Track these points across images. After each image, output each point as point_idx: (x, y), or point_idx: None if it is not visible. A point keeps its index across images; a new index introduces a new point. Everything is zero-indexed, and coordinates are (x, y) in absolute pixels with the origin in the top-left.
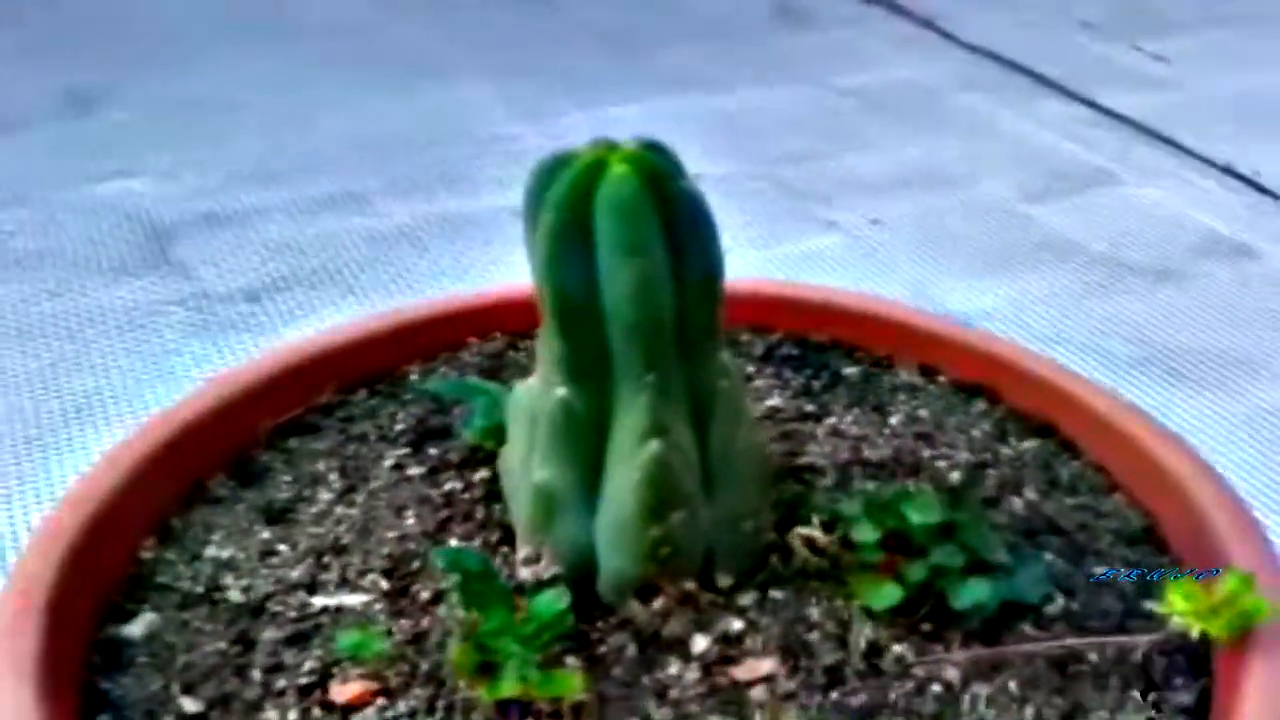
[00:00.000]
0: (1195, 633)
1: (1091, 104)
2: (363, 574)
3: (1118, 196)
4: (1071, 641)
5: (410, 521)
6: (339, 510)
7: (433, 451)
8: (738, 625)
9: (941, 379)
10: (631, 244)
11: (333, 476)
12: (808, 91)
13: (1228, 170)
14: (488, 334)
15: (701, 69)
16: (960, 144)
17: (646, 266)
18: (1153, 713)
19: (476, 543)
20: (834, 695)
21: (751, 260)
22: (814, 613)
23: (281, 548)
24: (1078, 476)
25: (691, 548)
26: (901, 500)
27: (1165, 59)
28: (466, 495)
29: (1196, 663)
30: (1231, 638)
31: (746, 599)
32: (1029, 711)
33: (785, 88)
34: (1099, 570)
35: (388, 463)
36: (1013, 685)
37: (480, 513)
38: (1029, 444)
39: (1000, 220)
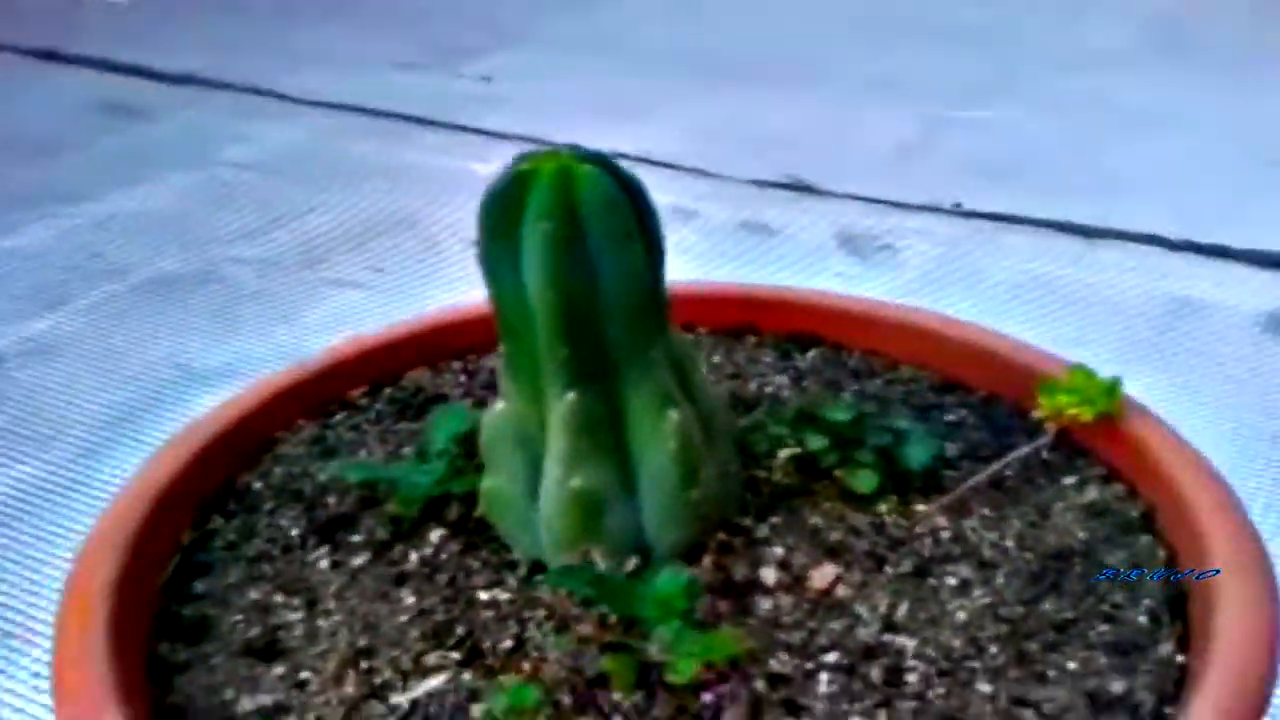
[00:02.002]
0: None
1: (461, 126)
2: (419, 658)
3: None
4: (992, 468)
5: (410, 599)
6: (324, 624)
7: (356, 539)
8: (779, 551)
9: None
10: (626, 231)
11: (279, 599)
12: (196, 176)
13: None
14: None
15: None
16: (406, 184)
17: (639, 251)
18: (1094, 488)
19: (509, 591)
20: (888, 570)
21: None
22: (817, 519)
23: (306, 675)
24: (865, 367)
25: (718, 499)
26: (818, 407)
27: (490, 77)
28: (443, 557)
29: (1079, 446)
30: (1097, 419)
31: (764, 530)
32: (1015, 523)
33: (167, 180)
34: (949, 418)
35: (322, 565)
36: (985, 511)
37: (476, 564)
38: (811, 354)
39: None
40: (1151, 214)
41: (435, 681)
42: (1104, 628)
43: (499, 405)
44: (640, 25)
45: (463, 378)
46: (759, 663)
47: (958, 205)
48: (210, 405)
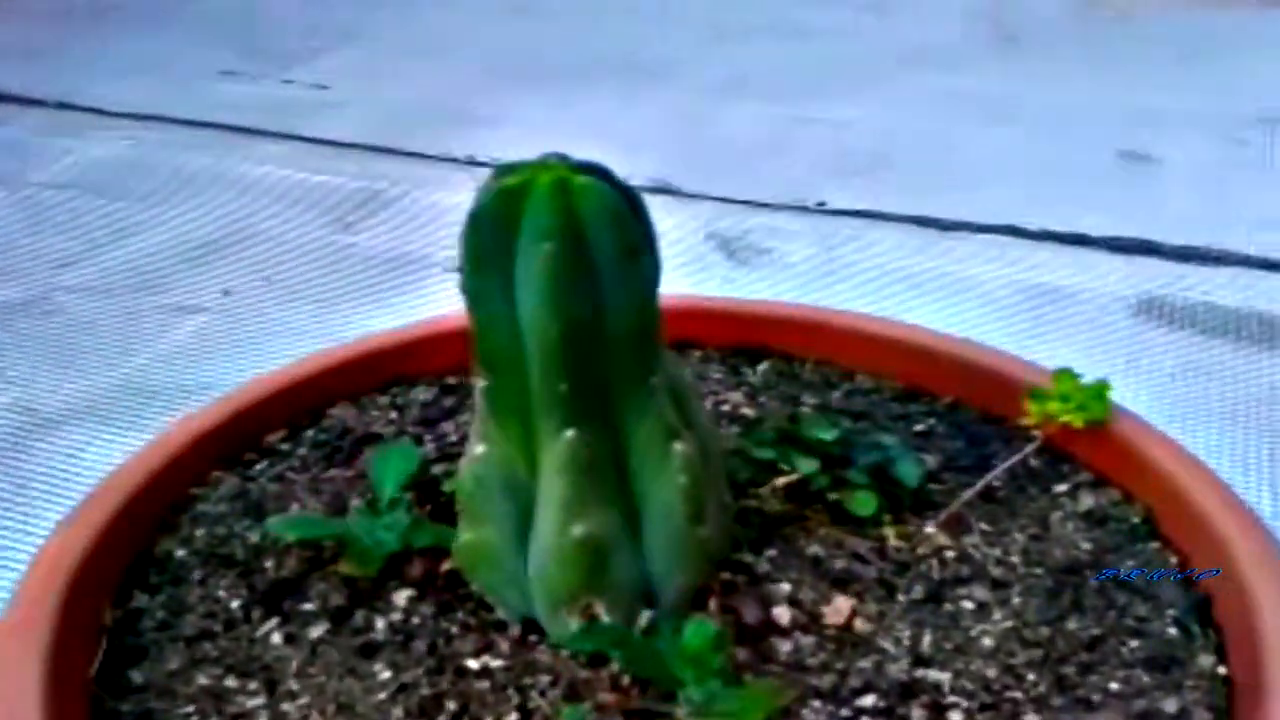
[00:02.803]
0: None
1: (300, 136)
2: None
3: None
4: (982, 481)
5: (386, 673)
6: (290, 708)
7: (308, 607)
8: (786, 587)
9: None
10: (630, 248)
11: (233, 683)
12: (11, 199)
13: (470, 161)
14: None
15: None
16: (245, 199)
17: (642, 269)
18: (1088, 494)
19: (501, 657)
20: (901, 598)
21: None
22: (816, 548)
23: None
24: (820, 379)
25: (721, 536)
26: (799, 427)
27: (326, 85)
28: (415, 621)
29: (1061, 452)
30: (1088, 425)
31: (764, 564)
32: (1017, 536)
33: None
34: (919, 428)
35: (275, 640)
36: (984, 526)
37: (456, 628)
38: (762, 367)
39: (327, 252)
40: (1009, 205)
41: None
42: (1135, 643)
43: (479, 449)
44: (478, 27)
45: (393, 414)
46: (792, 715)
47: (821, 204)
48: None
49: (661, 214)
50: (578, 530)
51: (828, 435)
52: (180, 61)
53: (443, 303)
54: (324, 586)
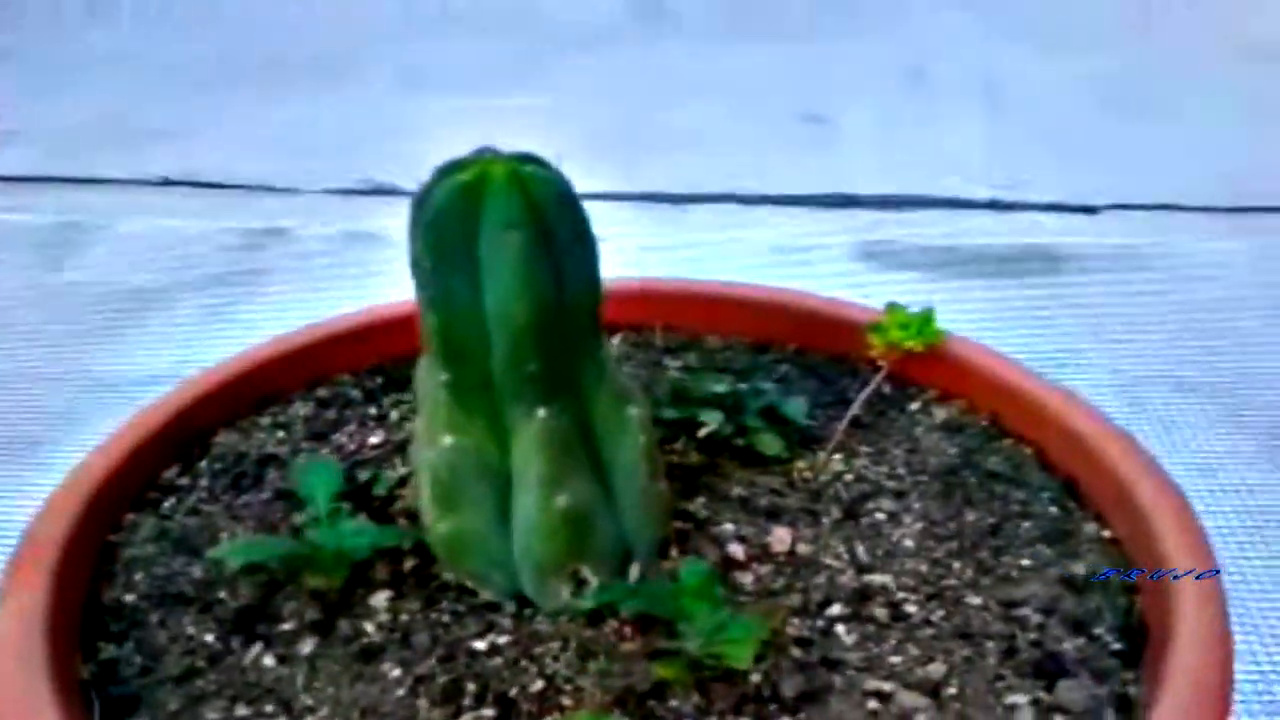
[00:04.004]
0: (911, 350)
1: None
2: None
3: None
4: (850, 412)
5: (396, 671)
6: None
7: (286, 627)
8: (730, 527)
9: None
10: (579, 231)
11: (246, 711)
12: None
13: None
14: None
15: None
16: None
17: (590, 248)
18: (938, 409)
19: (505, 634)
20: (825, 521)
21: None
22: (738, 490)
23: None
24: (675, 343)
25: (668, 489)
26: (689, 386)
27: None
28: (404, 619)
29: (903, 377)
30: (927, 348)
31: (702, 511)
32: (896, 453)
33: None
34: (776, 376)
35: (267, 663)
36: (865, 449)
37: (448, 617)
38: (616, 339)
39: (44, 294)
40: (714, 175)
41: None
42: (1027, 524)
43: (447, 440)
44: (151, 35)
45: (279, 433)
46: (779, 634)
47: None
48: None
49: (386, 216)
50: (561, 502)
51: (721, 388)
52: None
53: (193, 332)
54: (293, 605)
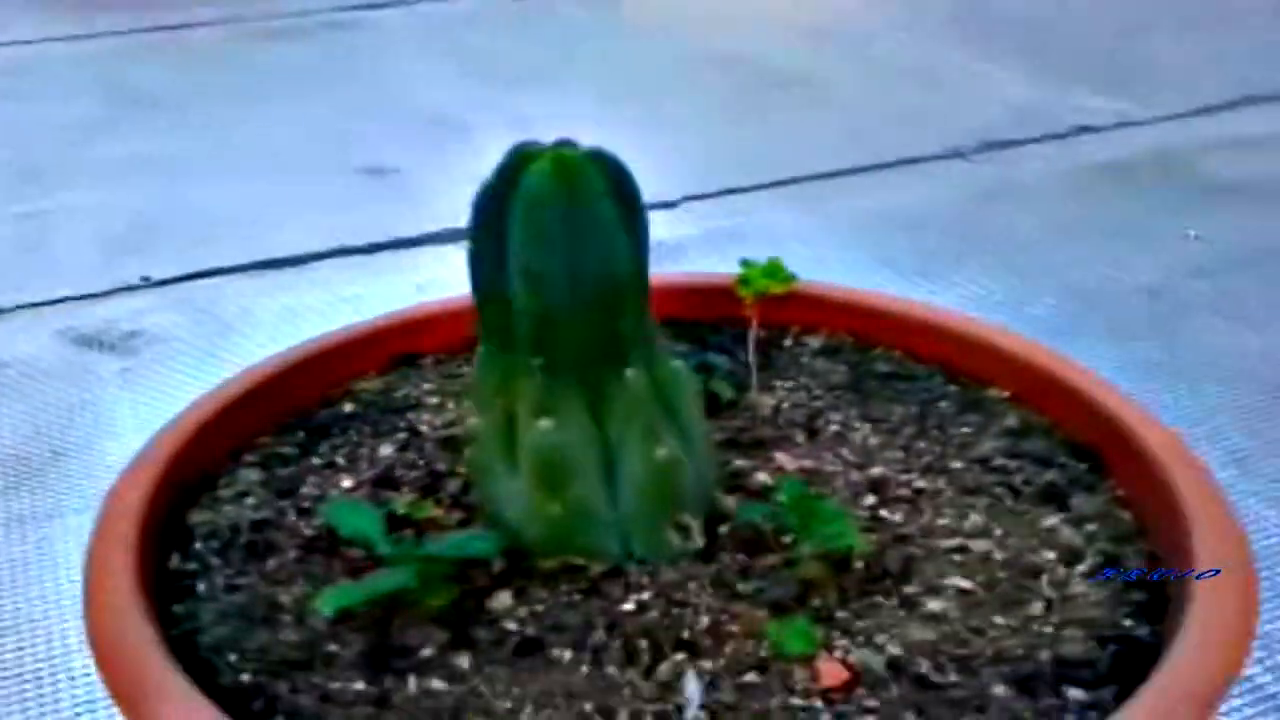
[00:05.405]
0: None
1: None
2: (662, 684)
3: None
4: (751, 357)
5: (568, 654)
6: (525, 714)
7: (427, 653)
8: (744, 462)
9: None
10: (640, 195)
11: None
12: None
13: None
14: None
15: None
16: None
17: (644, 223)
18: (814, 339)
19: (645, 590)
20: (800, 441)
21: None
22: (718, 434)
23: None
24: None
25: None
26: None
27: None
28: (541, 609)
29: (771, 322)
30: (789, 291)
31: None
32: (806, 380)
33: None
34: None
35: (437, 686)
36: (784, 384)
37: (578, 595)
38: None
39: None
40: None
41: (693, 687)
42: (944, 403)
43: (544, 423)
44: None
45: (249, 499)
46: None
47: (147, 278)
48: None
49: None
50: (661, 454)
51: None
52: None
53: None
54: (415, 632)
